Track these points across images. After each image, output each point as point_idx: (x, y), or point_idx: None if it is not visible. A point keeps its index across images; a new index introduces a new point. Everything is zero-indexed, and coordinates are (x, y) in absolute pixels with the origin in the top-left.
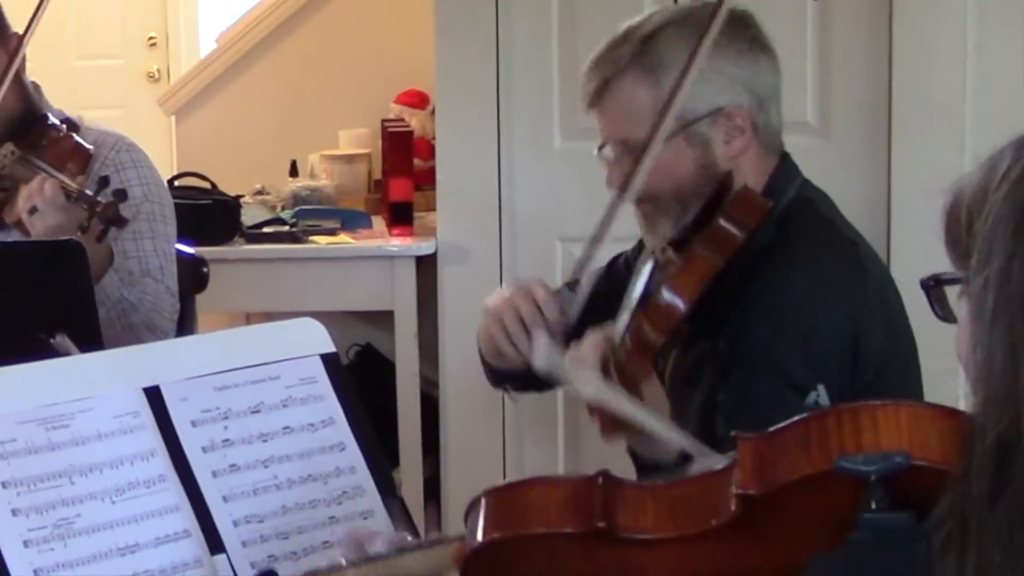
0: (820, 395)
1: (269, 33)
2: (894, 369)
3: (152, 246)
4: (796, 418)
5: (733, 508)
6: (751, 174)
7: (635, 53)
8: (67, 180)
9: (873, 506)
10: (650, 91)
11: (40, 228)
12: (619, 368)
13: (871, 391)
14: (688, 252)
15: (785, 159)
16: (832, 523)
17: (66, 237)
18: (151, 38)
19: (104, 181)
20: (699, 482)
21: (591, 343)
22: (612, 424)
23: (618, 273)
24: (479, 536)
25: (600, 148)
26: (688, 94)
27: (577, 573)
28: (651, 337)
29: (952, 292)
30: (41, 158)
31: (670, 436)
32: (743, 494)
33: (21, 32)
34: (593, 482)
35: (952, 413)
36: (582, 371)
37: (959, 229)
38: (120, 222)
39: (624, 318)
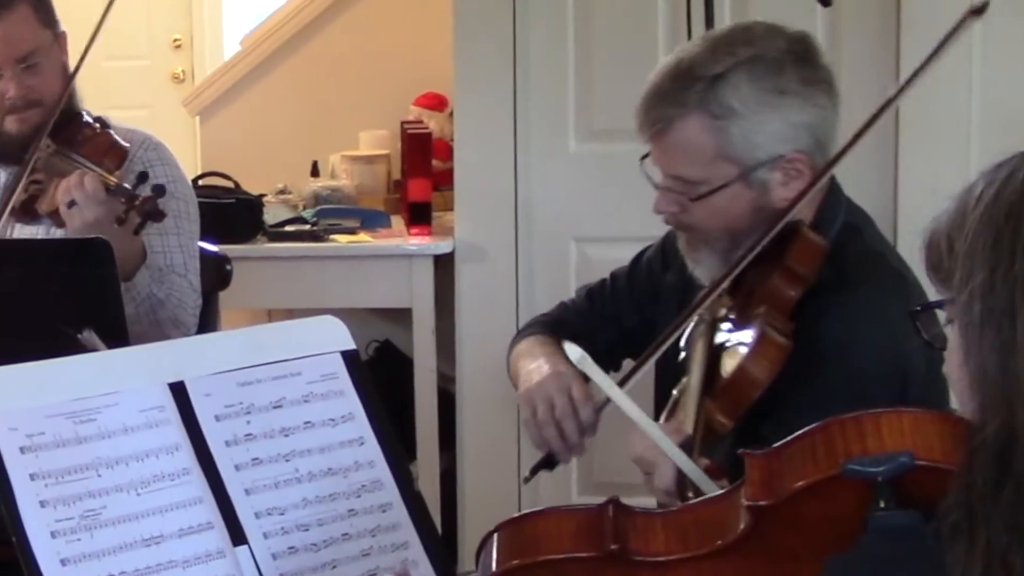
0: None
1: (292, 36)
2: (934, 390)
3: (177, 242)
4: (799, 432)
5: (744, 522)
6: (805, 207)
7: (703, 97)
8: (105, 174)
9: (882, 505)
10: (715, 136)
11: (78, 221)
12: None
13: None
14: (755, 326)
15: (832, 182)
16: (839, 531)
17: (102, 231)
18: (176, 40)
19: (143, 176)
20: (707, 505)
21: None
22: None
23: (640, 274)
24: (495, 567)
25: (644, 157)
26: (750, 143)
27: None
28: (720, 427)
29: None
30: (78, 152)
31: None
32: (754, 506)
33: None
34: (604, 510)
35: (951, 417)
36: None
37: (940, 255)
38: (158, 216)
39: (690, 407)
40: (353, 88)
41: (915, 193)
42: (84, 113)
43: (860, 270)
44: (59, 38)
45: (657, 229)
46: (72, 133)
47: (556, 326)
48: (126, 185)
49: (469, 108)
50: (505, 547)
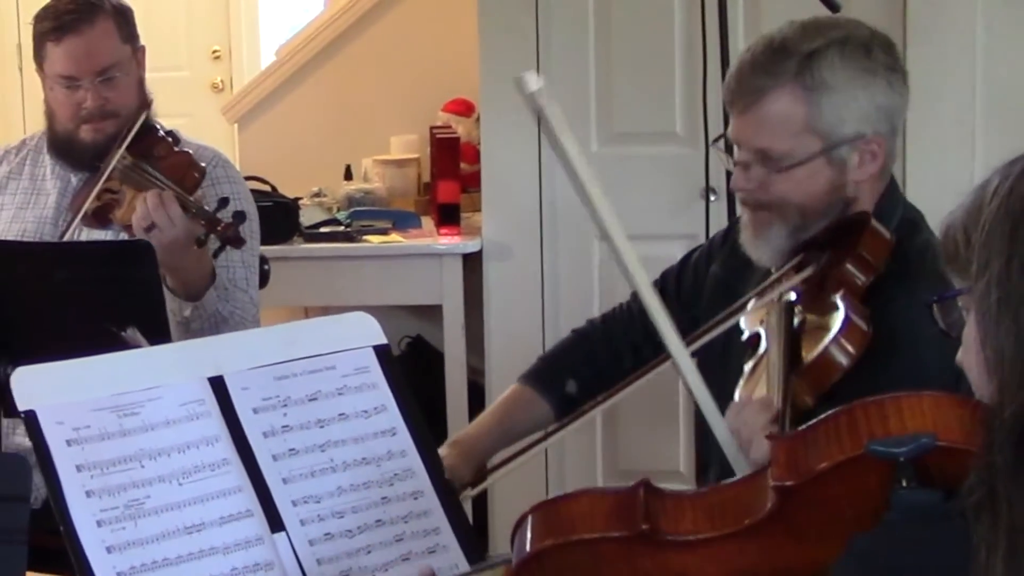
0: None
1: (325, 47)
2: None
3: (240, 258)
4: (822, 415)
5: (770, 502)
6: (868, 196)
7: (799, 69)
8: (184, 194)
9: (904, 484)
10: (805, 108)
11: (155, 242)
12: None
13: None
14: (838, 310)
15: (890, 178)
16: (861, 511)
17: (179, 251)
18: (215, 51)
19: (224, 201)
20: (734, 486)
21: (760, 422)
22: None
23: (687, 275)
24: (529, 546)
25: (716, 139)
26: (838, 118)
27: None
28: (803, 405)
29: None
30: (155, 168)
31: None
32: (780, 486)
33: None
34: (635, 491)
35: (969, 400)
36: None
37: (956, 246)
38: (238, 242)
39: (775, 382)
40: (384, 95)
41: (922, 190)
42: (157, 126)
43: (924, 263)
44: (137, 52)
45: (676, 228)
46: (147, 146)
47: (561, 361)
48: (207, 208)
49: (495, 113)
50: (539, 527)
